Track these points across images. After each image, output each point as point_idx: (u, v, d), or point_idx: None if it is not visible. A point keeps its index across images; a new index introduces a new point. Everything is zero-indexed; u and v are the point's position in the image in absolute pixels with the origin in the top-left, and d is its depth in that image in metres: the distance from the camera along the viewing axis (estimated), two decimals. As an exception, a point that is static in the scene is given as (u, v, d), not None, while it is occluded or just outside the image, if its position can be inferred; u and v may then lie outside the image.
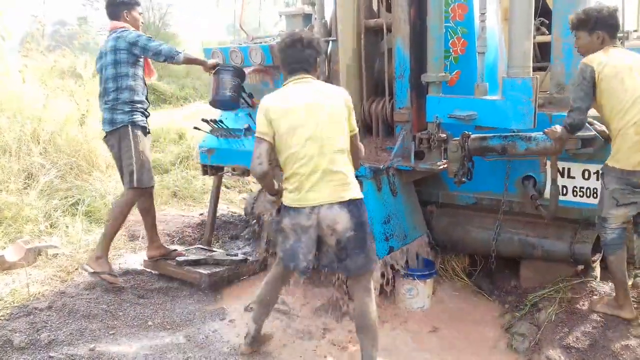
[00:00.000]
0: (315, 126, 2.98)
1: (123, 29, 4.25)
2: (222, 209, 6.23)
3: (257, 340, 3.48)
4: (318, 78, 3.24)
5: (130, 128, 4.20)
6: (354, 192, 3.07)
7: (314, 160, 2.97)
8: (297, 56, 3.08)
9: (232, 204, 6.80)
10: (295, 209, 3.04)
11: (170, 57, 4.20)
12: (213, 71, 4.34)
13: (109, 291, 4.09)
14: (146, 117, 4.39)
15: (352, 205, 3.03)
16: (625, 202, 3.24)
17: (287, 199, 3.09)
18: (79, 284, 4.24)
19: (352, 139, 3.15)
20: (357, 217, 3.03)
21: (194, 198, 6.81)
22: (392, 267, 3.96)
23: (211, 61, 4.40)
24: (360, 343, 3.15)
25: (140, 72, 4.30)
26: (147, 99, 4.42)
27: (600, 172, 3.39)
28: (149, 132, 4.41)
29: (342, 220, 2.99)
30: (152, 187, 4.44)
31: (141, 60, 4.30)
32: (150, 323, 3.81)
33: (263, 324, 3.48)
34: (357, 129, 3.20)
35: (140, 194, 4.34)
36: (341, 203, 3.01)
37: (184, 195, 6.80)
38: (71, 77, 8.73)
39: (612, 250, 3.37)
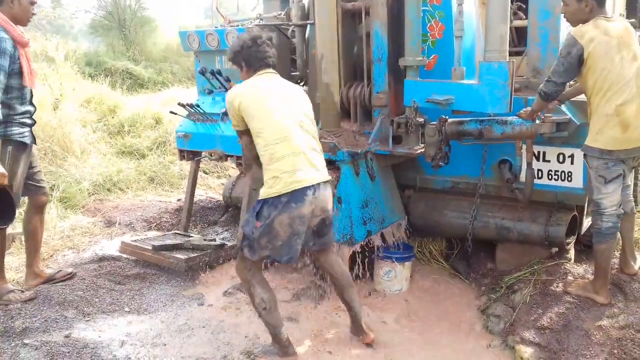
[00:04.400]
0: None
1: None
2: (200, 194, 6.19)
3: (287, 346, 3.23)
4: None
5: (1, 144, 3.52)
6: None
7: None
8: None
9: (210, 189, 6.75)
10: (293, 193, 2.94)
11: None
12: None
13: (85, 278, 4.04)
14: (29, 126, 3.69)
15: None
16: (612, 175, 3.22)
17: (277, 186, 2.96)
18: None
19: None
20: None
21: (171, 183, 6.76)
22: (370, 250, 3.98)
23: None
24: (350, 303, 3.35)
25: (15, 82, 3.52)
26: (31, 103, 3.72)
27: (583, 153, 3.34)
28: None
29: (330, 200, 3.17)
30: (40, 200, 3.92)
31: (14, 66, 3.47)
32: (127, 309, 3.78)
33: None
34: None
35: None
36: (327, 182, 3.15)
37: (161, 180, 6.74)
38: (43, 60, 8.53)
39: (605, 239, 3.31)
